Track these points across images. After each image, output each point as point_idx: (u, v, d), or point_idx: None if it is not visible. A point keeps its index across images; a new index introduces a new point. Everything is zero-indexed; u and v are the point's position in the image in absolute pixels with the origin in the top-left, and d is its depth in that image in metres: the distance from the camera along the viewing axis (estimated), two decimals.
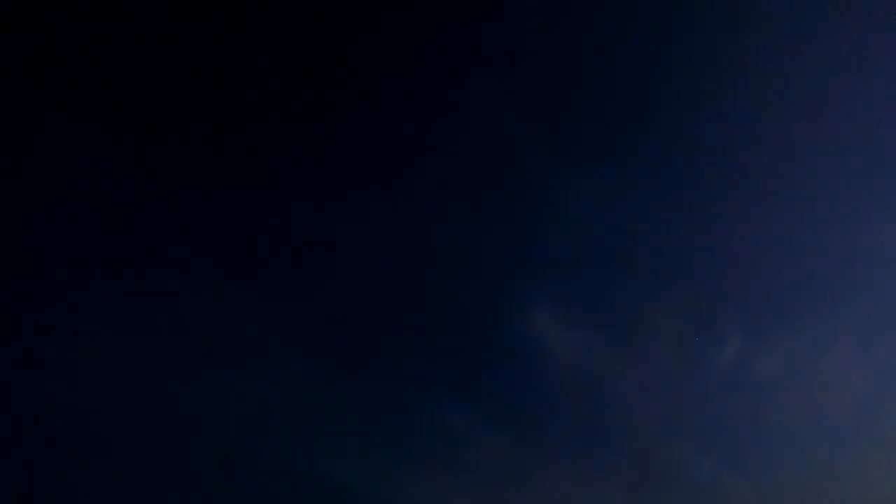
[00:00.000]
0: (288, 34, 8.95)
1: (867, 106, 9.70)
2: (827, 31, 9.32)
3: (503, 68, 9.44)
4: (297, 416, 9.42)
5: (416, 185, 9.71)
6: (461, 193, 9.76)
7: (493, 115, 9.58)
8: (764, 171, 10.14)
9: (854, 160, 9.86)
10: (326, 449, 9.36)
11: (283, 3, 8.83)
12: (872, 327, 10.11)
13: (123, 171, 8.89)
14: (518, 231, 10.03)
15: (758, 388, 10.28)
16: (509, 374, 10.06)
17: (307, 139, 9.43)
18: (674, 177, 10.13)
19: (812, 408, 10.01)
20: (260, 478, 9.02)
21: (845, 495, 9.73)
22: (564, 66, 9.52)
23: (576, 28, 9.34)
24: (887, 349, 9.93)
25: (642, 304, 10.27)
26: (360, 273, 9.73)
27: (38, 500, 8.04)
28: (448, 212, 9.80)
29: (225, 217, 9.29)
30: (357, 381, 9.62)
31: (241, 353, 9.32)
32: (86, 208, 8.83)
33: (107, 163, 8.79)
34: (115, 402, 8.68)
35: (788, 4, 9.34)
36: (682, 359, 10.29)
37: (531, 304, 10.03)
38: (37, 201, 8.59)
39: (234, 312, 9.24)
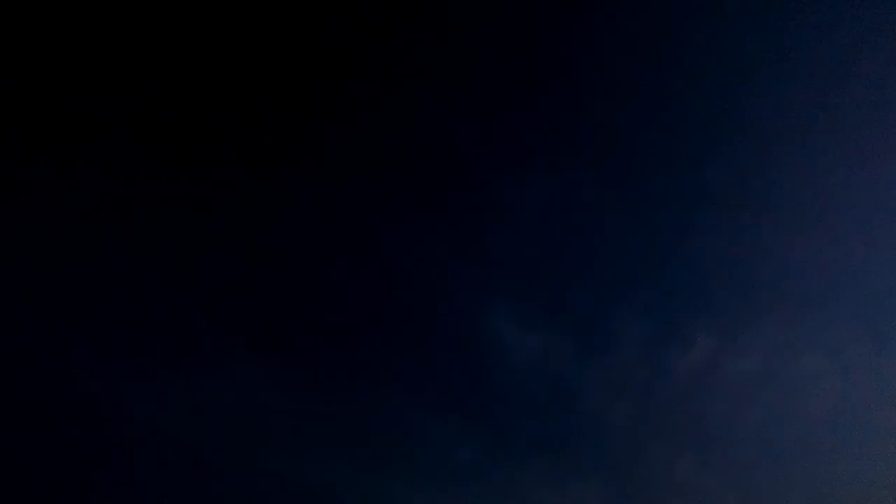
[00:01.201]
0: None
1: (839, 104, 9.67)
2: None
3: (454, 69, 9.24)
4: (262, 421, 9.04)
5: (371, 188, 9.46)
6: (416, 195, 9.52)
7: (447, 114, 9.38)
8: (730, 171, 10.10)
9: (825, 161, 9.86)
10: (293, 453, 9.03)
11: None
12: (845, 329, 10.15)
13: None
14: (476, 233, 9.77)
15: (731, 390, 10.22)
16: (476, 379, 9.83)
17: (255, 133, 9.03)
18: (635, 177, 10.01)
19: (787, 409, 10.02)
20: (221, 483, 8.76)
21: (821, 493, 10.22)
22: (519, 66, 9.35)
23: (528, 27, 9.20)
24: (859, 351, 9.98)
25: (606, 306, 10.15)
26: (323, 275, 9.40)
27: None
28: (406, 214, 9.55)
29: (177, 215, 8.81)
30: (321, 385, 9.26)
31: (200, 353, 8.92)
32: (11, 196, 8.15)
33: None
34: (49, 403, 8.18)
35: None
36: (650, 360, 10.17)
37: (493, 305, 9.83)
38: None
39: (188, 310, 8.83)
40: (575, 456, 9.82)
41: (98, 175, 8.51)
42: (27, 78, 8.13)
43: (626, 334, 10.12)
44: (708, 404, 10.11)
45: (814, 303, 10.18)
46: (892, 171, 9.61)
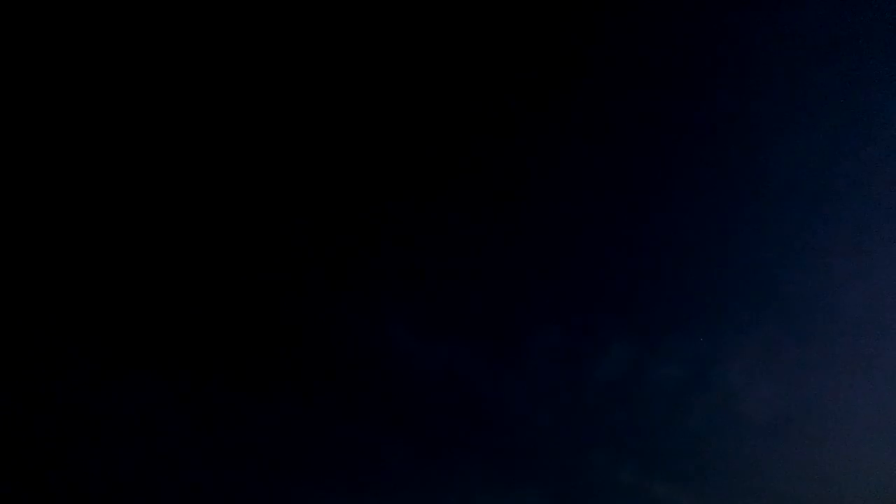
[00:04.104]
0: None
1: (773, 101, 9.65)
2: None
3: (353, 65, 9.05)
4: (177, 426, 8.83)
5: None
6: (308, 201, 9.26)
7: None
8: (648, 163, 9.87)
9: (759, 159, 9.80)
10: (212, 459, 8.69)
11: None
12: (781, 331, 10.02)
13: None
14: (371, 244, 9.46)
15: (663, 397, 9.99)
16: (384, 389, 9.46)
17: None
18: (531, 176, 9.69)
19: (723, 413, 9.82)
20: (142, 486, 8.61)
21: (775, 495, 10.12)
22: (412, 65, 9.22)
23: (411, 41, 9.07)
24: (798, 353, 9.90)
25: (517, 313, 9.88)
26: (237, 279, 9.10)
27: None
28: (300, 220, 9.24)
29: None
30: (235, 393, 8.94)
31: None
32: None
33: None
34: None
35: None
36: (570, 367, 9.89)
37: (392, 316, 9.55)
38: None
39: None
40: (509, 464, 9.50)
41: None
42: None
43: (537, 342, 9.88)
44: (642, 412, 9.87)
45: (739, 307, 10.08)
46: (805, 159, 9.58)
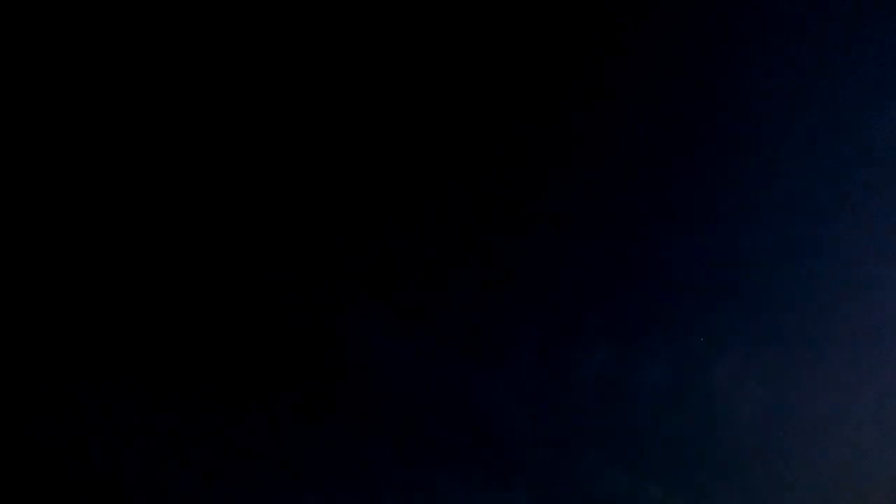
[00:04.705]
0: None
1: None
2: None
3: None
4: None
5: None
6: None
7: None
8: (631, 163, 9.79)
9: (741, 161, 9.81)
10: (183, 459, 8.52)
11: None
12: (768, 330, 9.99)
13: None
14: (350, 242, 9.34)
15: (648, 397, 9.81)
16: (350, 386, 9.24)
17: None
18: (513, 175, 9.61)
19: (710, 413, 9.72)
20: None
21: (769, 495, 9.88)
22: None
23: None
24: (785, 352, 9.86)
25: (488, 310, 9.65)
26: (206, 275, 8.91)
27: None
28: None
29: None
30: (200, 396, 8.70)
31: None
32: None
33: None
34: None
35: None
36: (549, 366, 9.67)
37: (355, 312, 9.32)
38: None
39: None
40: (495, 467, 9.08)
41: None
42: None
43: (517, 340, 9.72)
44: (629, 412, 9.72)
45: (721, 306, 10.02)
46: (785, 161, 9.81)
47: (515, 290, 9.74)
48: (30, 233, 8.31)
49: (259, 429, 8.81)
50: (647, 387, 9.91)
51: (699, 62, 9.54)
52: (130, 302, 8.58)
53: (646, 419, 9.83)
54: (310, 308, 9.11)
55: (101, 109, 8.47)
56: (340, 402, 9.15)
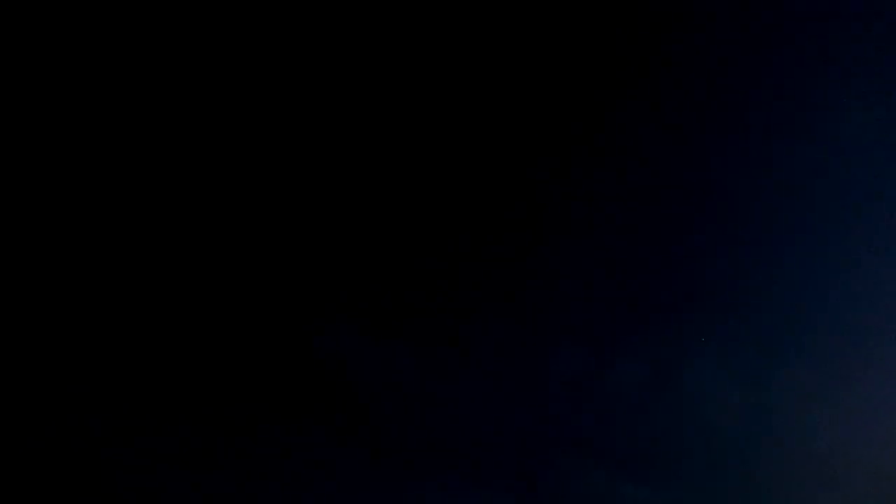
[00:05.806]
0: None
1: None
2: None
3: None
4: None
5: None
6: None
7: None
8: (608, 162, 9.82)
9: (721, 158, 9.76)
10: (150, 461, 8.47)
11: None
12: (746, 330, 9.89)
13: None
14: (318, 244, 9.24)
15: (622, 399, 9.76)
16: (324, 391, 9.14)
17: None
18: (484, 168, 9.58)
19: (689, 412, 9.67)
20: None
21: (738, 494, 9.86)
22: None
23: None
24: (764, 352, 9.78)
25: (462, 312, 9.56)
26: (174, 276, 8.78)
27: None
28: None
29: None
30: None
31: None
32: None
33: None
34: None
35: None
36: (525, 368, 9.61)
37: (326, 317, 9.20)
38: None
39: None
40: (469, 466, 9.31)
41: None
42: None
43: (482, 342, 9.58)
44: (607, 412, 9.67)
45: (699, 305, 9.95)
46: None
47: (490, 292, 9.66)
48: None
49: (233, 436, 8.69)
50: (624, 386, 9.87)
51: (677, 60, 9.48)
52: (100, 311, 8.56)
53: (623, 419, 9.78)
54: (283, 314, 8.99)
55: (80, 113, 8.36)
56: (314, 407, 9.05)
